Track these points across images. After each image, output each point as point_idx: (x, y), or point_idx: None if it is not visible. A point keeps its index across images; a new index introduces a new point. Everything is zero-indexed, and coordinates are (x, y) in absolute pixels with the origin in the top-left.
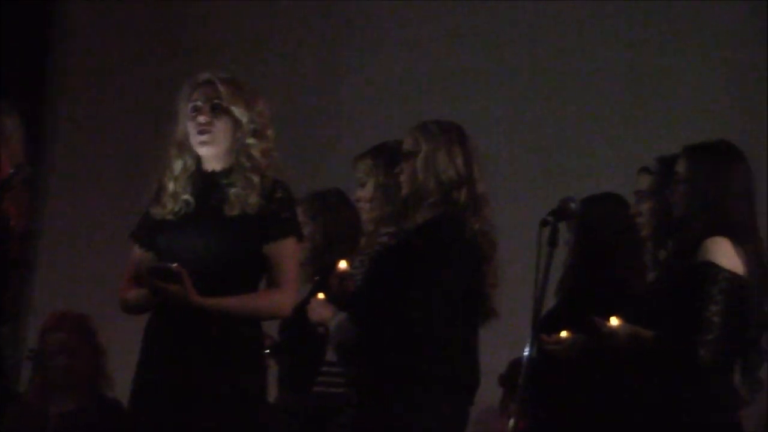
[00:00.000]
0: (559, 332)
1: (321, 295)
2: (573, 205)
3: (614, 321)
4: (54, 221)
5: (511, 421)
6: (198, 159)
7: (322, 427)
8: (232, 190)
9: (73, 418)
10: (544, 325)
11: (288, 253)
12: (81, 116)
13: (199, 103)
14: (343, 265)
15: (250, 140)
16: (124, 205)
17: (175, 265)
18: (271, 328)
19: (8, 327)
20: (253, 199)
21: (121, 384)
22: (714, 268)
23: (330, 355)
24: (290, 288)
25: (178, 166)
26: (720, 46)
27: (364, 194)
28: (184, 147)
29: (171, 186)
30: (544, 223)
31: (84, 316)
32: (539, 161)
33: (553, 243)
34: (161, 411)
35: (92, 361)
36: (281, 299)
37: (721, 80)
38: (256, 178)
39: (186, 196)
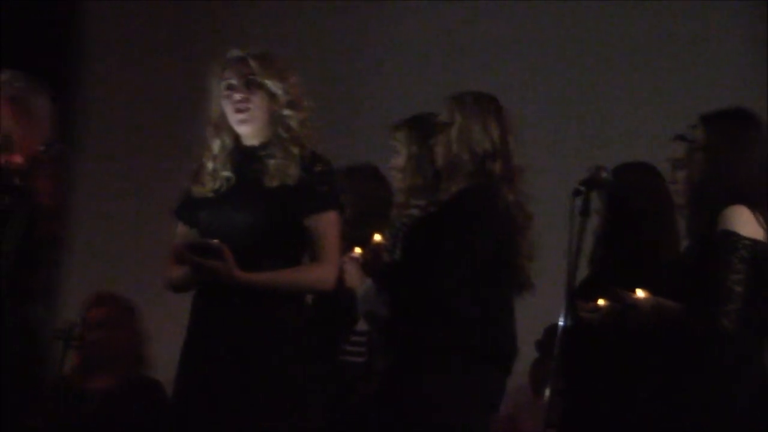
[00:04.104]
0: (595, 300)
1: (358, 250)
2: (604, 174)
3: (640, 293)
4: (85, 201)
5: (547, 391)
6: (236, 136)
7: (347, 397)
8: (272, 162)
9: (111, 395)
10: (578, 295)
11: (329, 226)
12: (111, 95)
13: (233, 81)
14: (377, 238)
15: (287, 111)
16: (154, 184)
17: (215, 241)
18: None
19: (40, 306)
20: (293, 170)
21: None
22: (733, 236)
23: (359, 325)
24: (332, 262)
25: (216, 145)
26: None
27: (397, 163)
28: (220, 125)
29: (210, 164)
30: (576, 193)
31: (124, 296)
32: (571, 130)
33: (585, 212)
34: (206, 391)
35: (131, 340)
36: (324, 273)
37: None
38: (295, 149)
39: (226, 173)
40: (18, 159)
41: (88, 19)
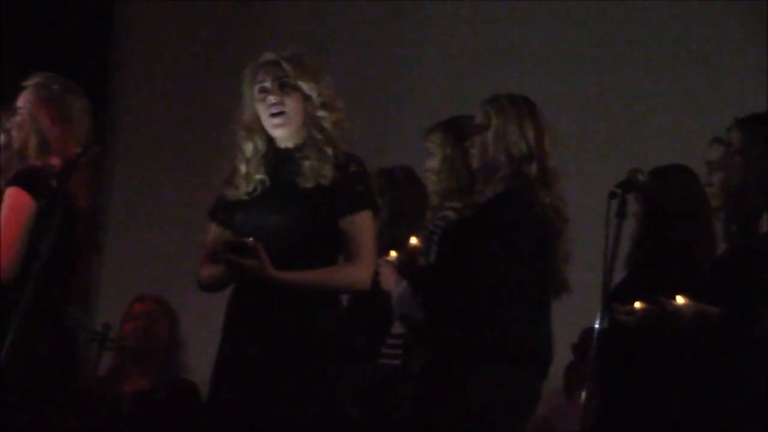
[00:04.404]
0: (631, 303)
1: (393, 253)
2: (641, 177)
3: (680, 299)
4: (120, 204)
5: (584, 394)
6: (270, 138)
7: (383, 400)
8: (306, 163)
9: (146, 397)
10: (614, 298)
11: (364, 226)
12: (145, 98)
13: (266, 84)
14: (413, 241)
15: (321, 113)
16: (189, 187)
17: (250, 239)
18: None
19: (76, 308)
20: (327, 171)
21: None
22: None
23: (395, 327)
24: (367, 261)
25: (248, 148)
26: None
27: (432, 165)
28: (254, 129)
29: (243, 168)
30: (612, 195)
31: (163, 298)
32: (606, 132)
33: (621, 215)
34: (241, 393)
35: (169, 341)
36: (358, 273)
37: None
38: (329, 150)
39: (260, 176)
40: (54, 161)
41: (122, 23)
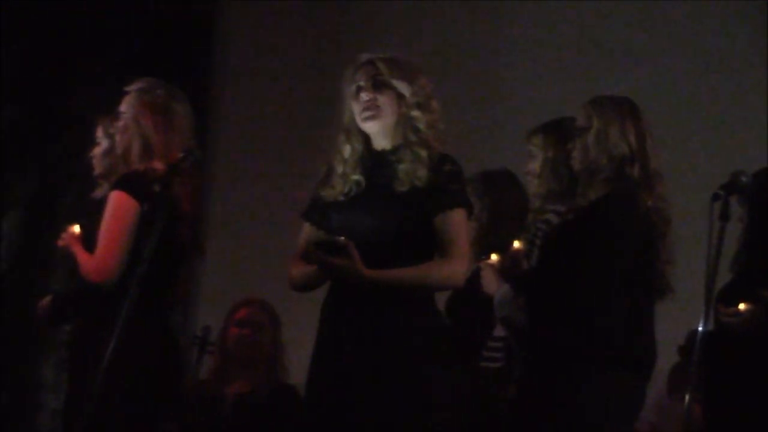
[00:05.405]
0: (736, 305)
1: (495, 257)
2: (744, 179)
3: None
4: (221, 208)
5: (687, 397)
6: (366, 139)
7: (485, 402)
8: (401, 166)
9: (248, 400)
10: (719, 300)
11: (458, 223)
12: (246, 102)
13: (361, 83)
14: (516, 244)
15: (415, 113)
16: (290, 190)
17: (341, 238)
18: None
19: (178, 312)
20: (422, 173)
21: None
22: None
23: (496, 330)
24: (462, 258)
25: (346, 149)
26: None
27: (533, 168)
28: (351, 130)
29: (340, 168)
30: (715, 197)
31: (267, 303)
32: (709, 133)
33: (724, 217)
34: (339, 395)
35: (271, 347)
36: (453, 269)
37: None
38: (423, 152)
39: (356, 177)
40: (157, 165)
41: (224, 26)
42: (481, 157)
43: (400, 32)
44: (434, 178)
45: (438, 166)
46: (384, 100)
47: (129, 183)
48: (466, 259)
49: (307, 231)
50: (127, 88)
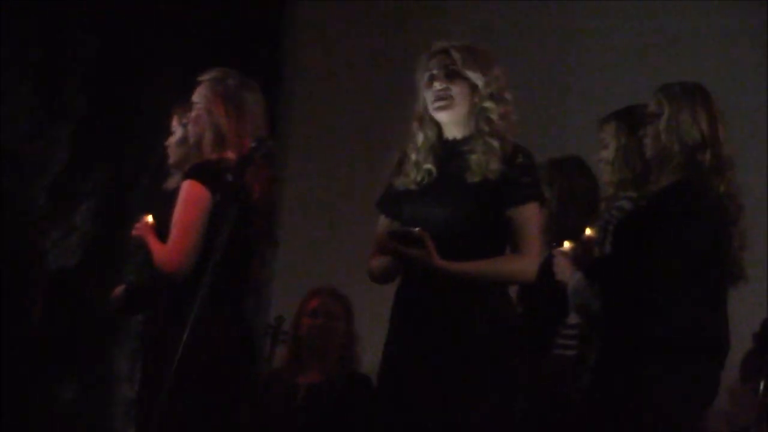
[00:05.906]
0: None
1: (567, 244)
2: None
3: None
4: (293, 197)
5: (762, 384)
6: (438, 128)
7: (558, 390)
8: (473, 157)
9: (320, 389)
10: None
11: (530, 218)
12: (317, 92)
13: (434, 71)
14: (589, 232)
15: (488, 104)
16: (361, 179)
17: (417, 229)
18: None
19: (252, 301)
20: (494, 165)
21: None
22: None
23: (570, 318)
24: (534, 253)
25: (419, 137)
26: None
27: (606, 156)
28: (424, 118)
29: (413, 156)
30: None
31: (340, 293)
32: None
33: None
34: (412, 385)
35: (345, 337)
36: (525, 264)
37: None
38: (496, 143)
39: (428, 166)
40: (230, 155)
41: (295, 16)
42: (553, 146)
43: (468, 23)
44: (507, 170)
45: (511, 158)
46: (457, 90)
47: (201, 172)
48: (537, 255)
49: (383, 222)
50: (200, 78)
